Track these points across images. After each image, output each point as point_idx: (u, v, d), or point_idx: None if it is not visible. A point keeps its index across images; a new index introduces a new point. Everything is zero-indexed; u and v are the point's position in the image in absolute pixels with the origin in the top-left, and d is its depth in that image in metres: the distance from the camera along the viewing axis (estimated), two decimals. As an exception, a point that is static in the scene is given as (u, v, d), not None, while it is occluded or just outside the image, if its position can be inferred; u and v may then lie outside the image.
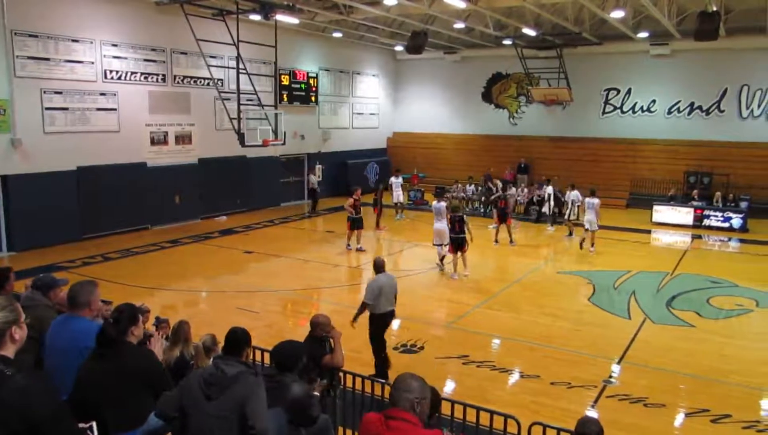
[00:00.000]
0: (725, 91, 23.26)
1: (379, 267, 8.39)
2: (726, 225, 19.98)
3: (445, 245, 13.96)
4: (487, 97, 28.63)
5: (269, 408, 3.92)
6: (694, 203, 20.84)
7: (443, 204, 14.38)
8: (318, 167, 23.80)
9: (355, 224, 16.07)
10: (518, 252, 16.54)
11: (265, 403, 3.88)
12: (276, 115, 18.73)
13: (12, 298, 3.12)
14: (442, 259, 14.27)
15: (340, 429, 6.14)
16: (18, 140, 15.11)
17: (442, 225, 14.02)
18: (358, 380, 6.16)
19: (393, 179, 21.83)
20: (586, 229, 16.53)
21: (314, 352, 5.79)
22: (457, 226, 13.58)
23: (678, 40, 22.03)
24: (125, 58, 17.51)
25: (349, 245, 16.18)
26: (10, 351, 2.92)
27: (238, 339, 4.14)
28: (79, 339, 4.18)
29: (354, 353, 8.41)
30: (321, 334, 6.08)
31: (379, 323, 8.15)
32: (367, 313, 8.18)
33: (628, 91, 25.25)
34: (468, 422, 5.64)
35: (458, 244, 13.59)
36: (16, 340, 2.95)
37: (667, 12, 18.46)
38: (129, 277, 12.90)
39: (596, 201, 16.65)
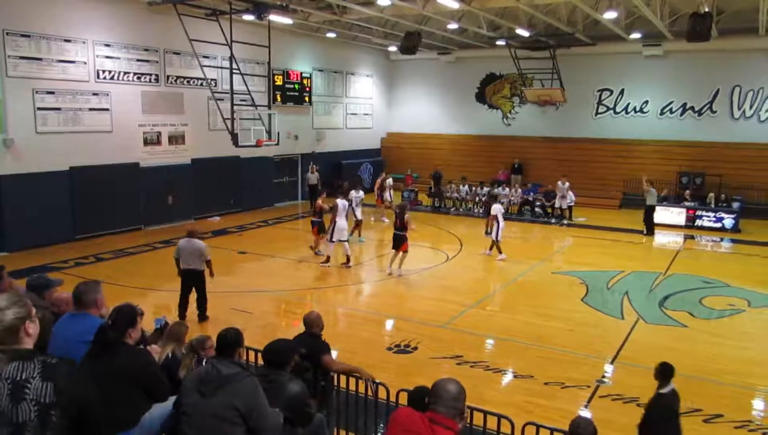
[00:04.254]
0: (717, 91, 23.40)
1: (187, 233, 10.31)
2: (718, 225, 20.08)
3: (343, 241, 14.49)
4: (480, 97, 28.70)
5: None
6: (687, 204, 20.94)
7: (347, 202, 14.95)
8: (311, 167, 23.79)
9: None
10: (512, 252, 16.51)
11: (266, 402, 3.88)
12: (269, 115, 18.69)
13: (22, 294, 3.16)
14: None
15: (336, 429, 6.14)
16: (10, 140, 15.03)
17: (344, 222, 14.53)
18: (352, 380, 6.14)
19: (354, 194, 17.25)
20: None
21: (314, 348, 5.74)
22: (398, 222, 14.01)
23: (670, 41, 22.15)
24: (118, 58, 17.45)
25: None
26: (28, 345, 2.98)
27: (228, 340, 4.15)
28: (89, 333, 4.15)
29: (349, 354, 8.43)
30: (318, 332, 6.05)
31: (182, 276, 10.27)
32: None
33: (621, 92, 25.37)
34: (462, 422, 5.62)
35: (398, 241, 13.98)
36: (31, 335, 3.01)
37: (660, 13, 18.55)
38: (122, 278, 12.86)
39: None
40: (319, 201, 15.44)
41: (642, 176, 20.06)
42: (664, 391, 5.60)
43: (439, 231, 18.97)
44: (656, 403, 5.61)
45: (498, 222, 15.32)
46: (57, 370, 2.88)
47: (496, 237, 15.41)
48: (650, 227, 19.19)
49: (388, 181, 21.35)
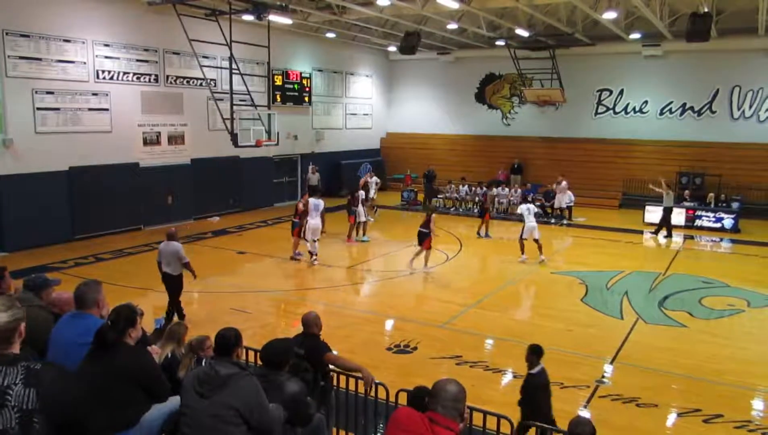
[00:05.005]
0: (717, 92, 23.40)
1: (167, 235, 10.18)
2: (718, 225, 20.09)
3: (316, 241, 14.66)
4: (480, 97, 28.70)
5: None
6: (686, 204, 20.93)
7: (321, 201, 14.96)
8: (312, 167, 23.79)
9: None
10: (511, 252, 16.53)
11: (265, 399, 3.88)
12: (269, 115, 18.71)
13: (12, 297, 3.15)
14: (313, 255, 14.70)
15: (333, 429, 6.14)
16: (9, 140, 15.03)
17: (317, 221, 14.67)
18: (351, 380, 6.14)
19: (361, 193, 18.04)
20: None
21: (314, 349, 5.71)
22: (424, 221, 14.36)
23: (670, 41, 22.15)
24: (117, 58, 17.45)
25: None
26: (16, 347, 2.97)
27: (227, 340, 4.13)
28: (90, 334, 4.13)
29: (348, 354, 8.41)
30: (317, 332, 6.02)
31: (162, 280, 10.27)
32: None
33: (621, 92, 25.37)
34: (461, 422, 5.62)
35: (420, 238, 14.26)
36: (22, 336, 3.02)
37: (659, 13, 18.54)
38: (121, 278, 12.85)
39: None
40: (300, 204, 15.48)
41: (661, 178, 19.99)
42: (534, 371, 6.14)
43: (439, 231, 18.92)
44: (529, 383, 6.14)
45: (525, 222, 15.17)
46: (40, 376, 2.85)
47: (521, 235, 15.30)
48: (669, 229, 19.05)
49: (372, 179, 21.29)
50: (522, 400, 6.16)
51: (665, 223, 18.98)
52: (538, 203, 22.44)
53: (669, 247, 17.98)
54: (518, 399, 6.20)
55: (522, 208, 15.49)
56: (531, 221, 15.12)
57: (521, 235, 15.28)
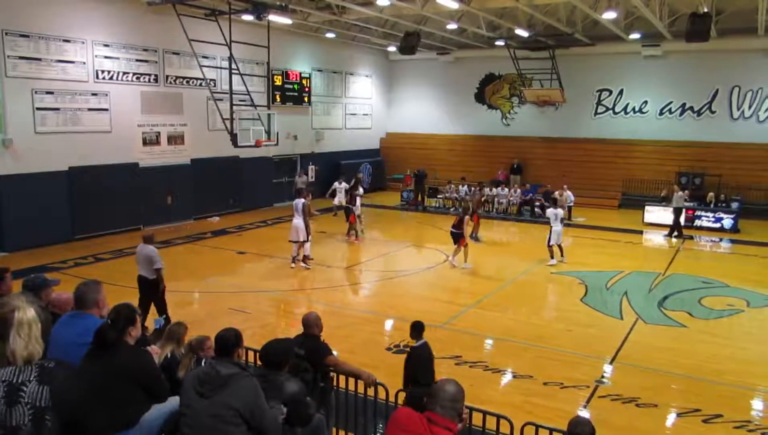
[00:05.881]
0: (716, 92, 23.40)
1: (143, 238, 10.17)
2: (717, 225, 20.09)
3: (304, 242, 14.35)
4: (479, 97, 28.69)
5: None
6: (686, 204, 20.90)
7: (302, 201, 14.49)
8: (311, 168, 23.76)
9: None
10: (512, 252, 16.56)
11: (264, 401, 3.88)
12: (269, 115, 18.70)
13: (31, 296, 3.21)
14: (295, 257, 14.47)
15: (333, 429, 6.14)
16: (9, 140, 15.02)
17: (297, 221, 14.25)
18: (351, 380, 6.14)
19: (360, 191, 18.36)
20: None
21: (315, 350, 5.70)
22: (455, 222, 14.81)
23: (670, 42, 22.15)
24: (117, 58, 17.45)
25: None
26: None
27: (227, 340, 4.13)
28: (89, 334, 4.12)
29: (348, 354, 8.43)
30: (317, 333, 6.01)
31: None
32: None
33: (620, 92, 25.36)
34: (461, 422, 5.61)
35: (454, 238, 14.70)
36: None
37: (659, 13, 18.54)
38: (121, 278, 12.80)
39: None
40: None
41: (672, 179, 19.96)
42: (416, 344, 6.62)
43: (438, 231, 18.95)
44: (412, 355, 6.63)
45: (552, 227, 15.09)
46: (54, 374, 2.86)
47: (549, 241, 15.20)
48: (680, 229, 19.04)
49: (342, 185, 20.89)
50: (406, 373, 6.53)
51: (676, 224, 19.01)
52: (537, 203, 22.48)
53: (671, 247, 17.98)
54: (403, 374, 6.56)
55: (549, 213, 15.39)
56: (558, 226, 15.07)
57: (549, 241, 15.15)
